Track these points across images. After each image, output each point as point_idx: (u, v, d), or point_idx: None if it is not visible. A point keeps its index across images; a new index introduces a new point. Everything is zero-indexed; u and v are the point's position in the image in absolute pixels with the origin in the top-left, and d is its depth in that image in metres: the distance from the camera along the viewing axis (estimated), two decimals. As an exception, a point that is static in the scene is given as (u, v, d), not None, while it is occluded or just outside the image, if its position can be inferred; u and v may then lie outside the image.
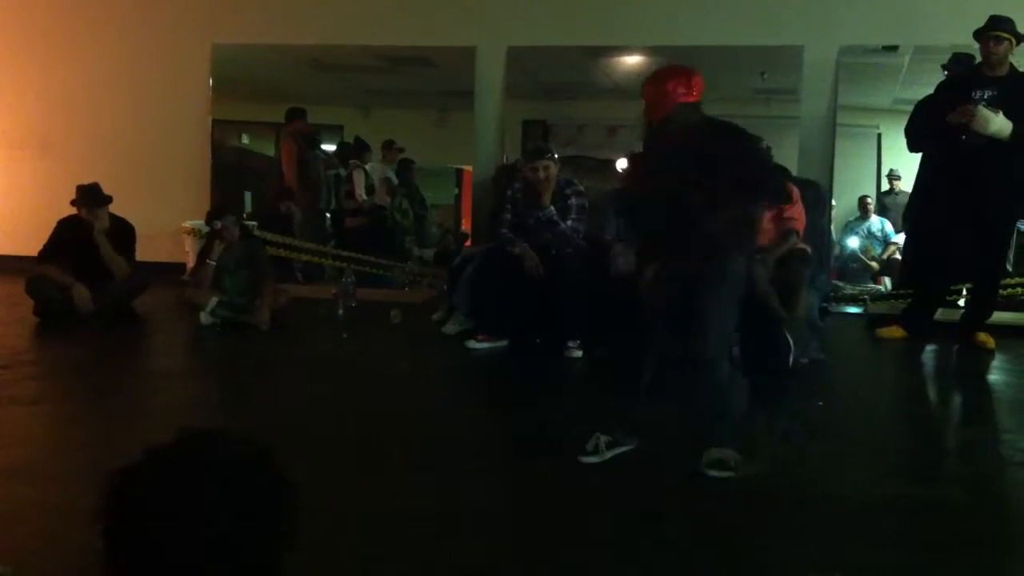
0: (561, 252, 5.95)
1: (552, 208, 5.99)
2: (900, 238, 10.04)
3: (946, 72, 6.07)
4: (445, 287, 6.73)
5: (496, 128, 7.67)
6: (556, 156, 6.12)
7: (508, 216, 6.09)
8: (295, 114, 8.53)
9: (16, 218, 7.47)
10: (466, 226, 8.74)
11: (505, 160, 7.62)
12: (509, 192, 6.18)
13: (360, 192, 8.39)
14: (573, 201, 6.04)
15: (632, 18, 7.55)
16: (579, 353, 5.74)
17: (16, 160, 8.20)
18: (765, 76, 7.93)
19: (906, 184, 10.78)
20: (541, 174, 6.03)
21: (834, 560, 2.87)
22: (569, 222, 5.99)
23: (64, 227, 6.69)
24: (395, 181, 8.64)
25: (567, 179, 6.15)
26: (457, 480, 3.52)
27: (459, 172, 10.43)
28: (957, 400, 5.36)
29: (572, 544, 3.00)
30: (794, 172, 6.80)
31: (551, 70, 8.69)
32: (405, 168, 8.60)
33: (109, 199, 6.64)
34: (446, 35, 7.72)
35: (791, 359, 5.43)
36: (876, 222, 10.35)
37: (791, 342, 5.48)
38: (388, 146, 8.83)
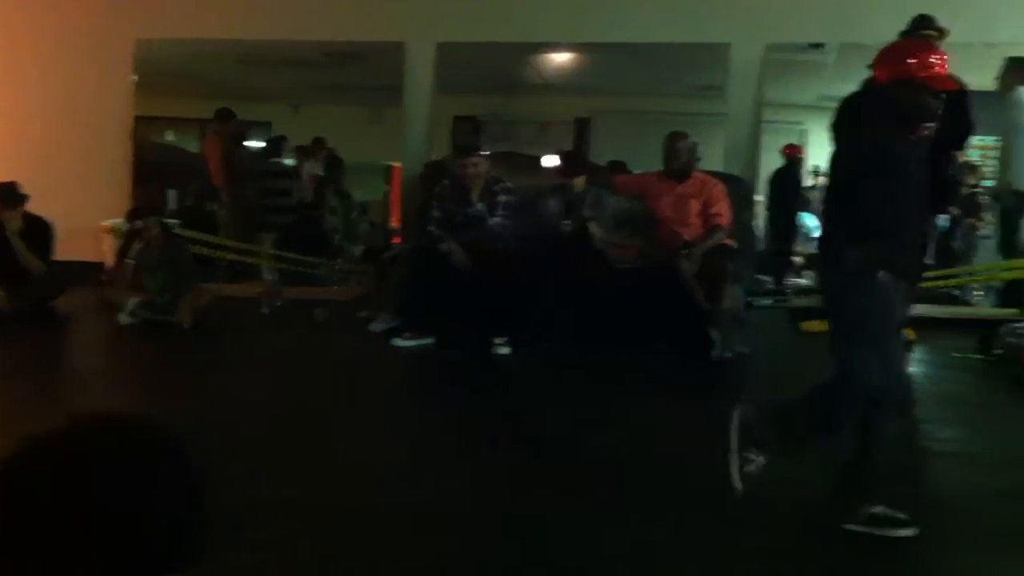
0: (489, 248, 5.92)
1: (481, 205, 5.97)
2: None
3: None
4: (373, 285, 6.66)
5: (425, 124, 7.61)
6: (486, 153, 6.10)
7: (436, 213, 6.05)
8: (224, 115, 8.39)
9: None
10: (395, 223, 8.67)
11: (433, 157, 7.56)
12: (437, 189, 6.15)
13: (305, 191, 8.29)
14: (502, 198, 6.02)
15: (562, 15, 7.55)
16: (507, 349, 5.72)
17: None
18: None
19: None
20: (470, 170, 6.01)
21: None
22: (498, 218, 5.97)
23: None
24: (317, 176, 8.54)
25: (496, 176, 6.12)
26: (390, 479, 3.47)
27: (389, 169, 10.38)
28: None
29: (521, 537, 2.99)
30: (720, 168, 6.87)
31: (482, 66, 8.67)
32: (333, 165, 8.48)
33: (23, 199, 6.46)
34: (375, 30, 7.64)
35: (716, 353, 5.50)
36: (799, 217, 10.50)
37: (716, 336, 5.55)
38: (317, 143, 8.74)
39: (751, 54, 7.30)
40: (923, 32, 5.49)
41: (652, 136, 6.92)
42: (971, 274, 6.72)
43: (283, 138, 10.07)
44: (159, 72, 8.10)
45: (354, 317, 6.41)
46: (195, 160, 8.91)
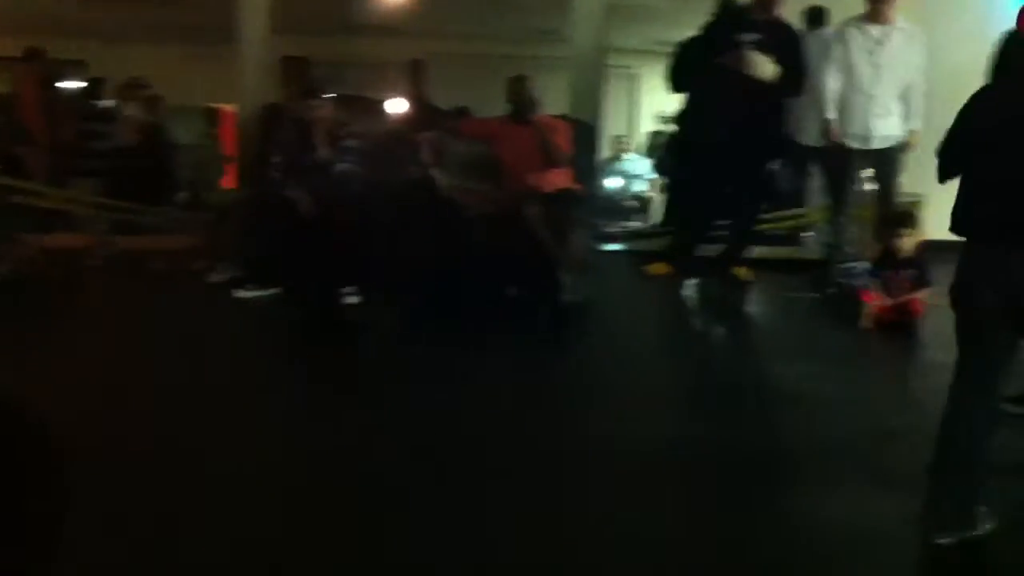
0: (335, 196, 5.75)
1: (326, 151, 5.79)
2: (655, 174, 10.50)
3: (714, 15, 6.14)
4: (210, 233, 6.36)
5: (261, 66, 7.24)
6: (329, 96, 5.90)
7: (279, 159, 5.83)
8: (33, 54, 7.81)
9: None
10: (230, 169, 8.34)
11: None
12: (279, 134, 5.91)
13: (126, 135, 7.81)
14: (348, 143, 5.85)
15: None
16: (355, 299, 5.60)
17: None
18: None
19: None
20: (314, 115, 5.81)
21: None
22: (344, 165, 5.81)
23: None
24: (140, 120, 8.07)
25: (341, 121, 5.95)
26: (242, 448, 3.30)
27: (214, 111, 9.92)
28: (722, 335, 5.61)
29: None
30: (566, 112, 6.87)
31: (318, 5, 8.39)
32: (153, 107, 8.03)
33: None
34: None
35: (565, 297, 5.54)
36: (633, 162, 10.75)
37: (565, 281, 5.59)
38: (134, 84, 8.26)
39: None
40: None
41: (493, 81, 6.88)
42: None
43: (101, 79, 9.51)
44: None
45: (190, 268, 6.12)
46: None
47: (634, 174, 10.48)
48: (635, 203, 10.18)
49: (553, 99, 6.95)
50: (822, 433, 3.62)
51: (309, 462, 3.19)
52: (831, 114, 5.74)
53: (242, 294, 5.60)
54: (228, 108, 9.44)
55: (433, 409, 3.72)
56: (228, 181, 8.32)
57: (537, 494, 2.96)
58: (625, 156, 10.80)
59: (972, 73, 3.09)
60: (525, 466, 3.17)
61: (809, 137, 6.25)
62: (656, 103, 11.39)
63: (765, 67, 5.50)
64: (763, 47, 5.50)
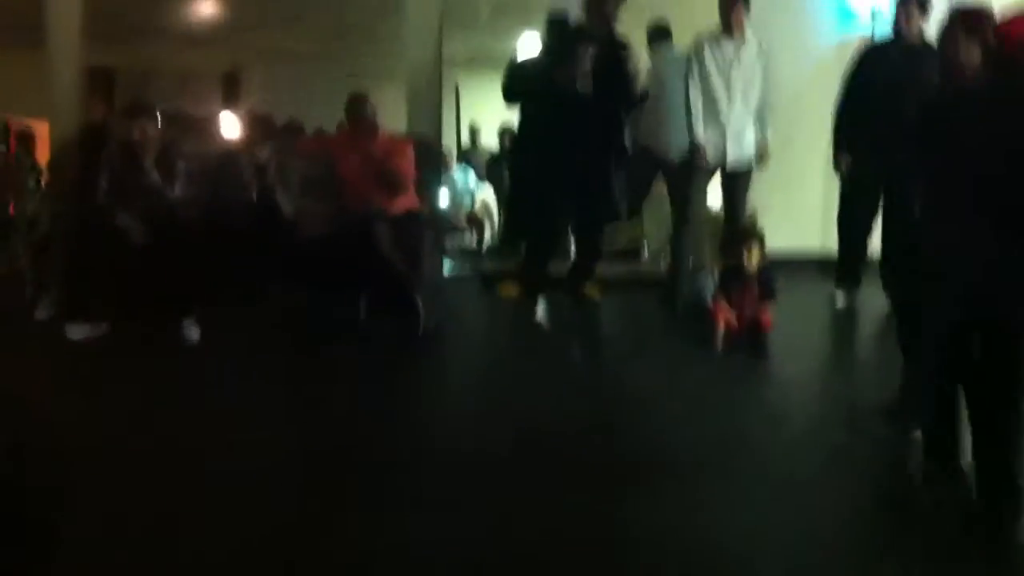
0: (169, 222, 5.41)
1: (156, 173, 5.43)
2: (485, 189, 10.46)
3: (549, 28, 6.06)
4: (29, 263, 5.85)
5: (74, 76, 6.66)
6: (159, 113, 5.54)
7: (105, 183, 5.42)
8: None
9: None
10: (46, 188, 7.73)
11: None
12: (104, 154, 5.50)
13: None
14: (181, 165, 5.51)
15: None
16: (195, 332, 5.29)
17: None
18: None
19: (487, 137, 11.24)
20: (138, 135, 5.45)
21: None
22: (177, 188, 5.47)
23: None
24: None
25: (172, 140, 5.60)
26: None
27: (4, 126, 9.17)
28: (575, 357, 5.57)
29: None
30: (403, 126, 6.72)
31: (127, 11, 7.90)
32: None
33: None
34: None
35: (421, 324, 5.42)
36: (459, 175, 10.62)
37: (420, 307, 5.46)
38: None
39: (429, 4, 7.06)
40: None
41: (319, 91, 6.68)
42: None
43: None
44: None
45: (12, 301, 5.62)
46: None
47: (463, 190, 10.36)
48: (466, 220, 10.07)
49: (391, 113, 6.80)
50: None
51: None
52: (699, 135, 5.86)
53: (72, 332, 5.17)
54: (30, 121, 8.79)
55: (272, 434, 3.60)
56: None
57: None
58: (452, 171, 10.67)
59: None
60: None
61: (657, 150, 6.33)
62: (478, 115, 11.42)
63: (602, 80, 5.49)
64: (599, 61, 5.48)
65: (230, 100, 7.34)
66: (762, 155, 5.94)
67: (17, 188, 7.83)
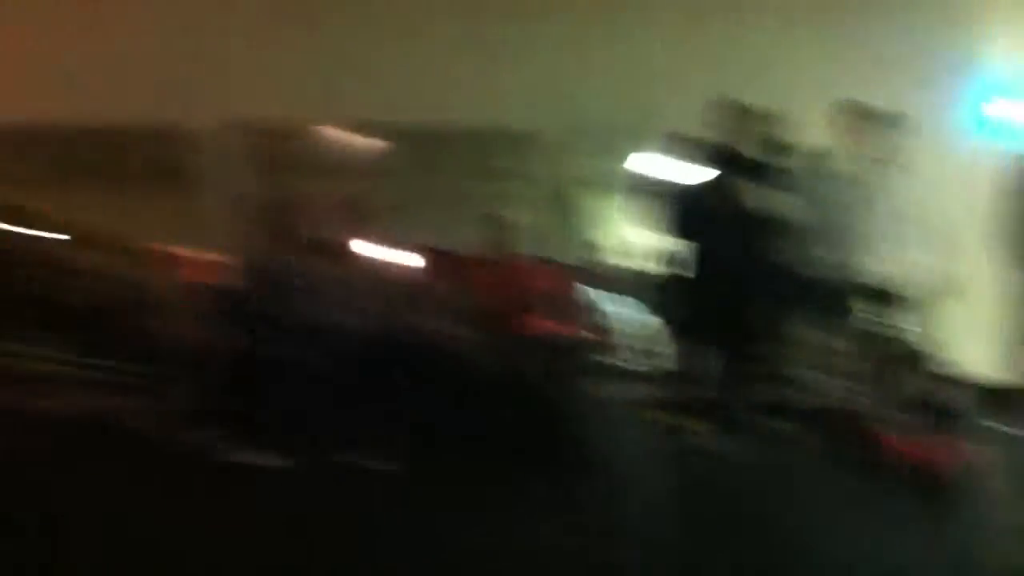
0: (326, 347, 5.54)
1: (313, 301, 5.62)
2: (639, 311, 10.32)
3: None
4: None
5: (227, 214, 7.05)
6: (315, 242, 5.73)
7: (266, 312, 5.62)
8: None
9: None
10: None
11: None
12: (265, 284, 5.71)
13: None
14: (336, 293, 5.70)
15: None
16: (358, 458, 5.30)
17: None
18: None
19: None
20: (296, 264, 5.66)
21: None
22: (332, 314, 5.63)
23: None
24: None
25: (327, 268, 5.78)
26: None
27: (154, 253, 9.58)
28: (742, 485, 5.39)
29: None
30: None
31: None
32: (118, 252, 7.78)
33: None
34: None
35: (577, 451, 5.35)
36: (610, 297, 10.48)
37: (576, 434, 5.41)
38: (98, 231, 7.99)
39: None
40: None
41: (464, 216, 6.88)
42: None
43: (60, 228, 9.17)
44: None
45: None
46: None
47: (616, 312, 10.24)
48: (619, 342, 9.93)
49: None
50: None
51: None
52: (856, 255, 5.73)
53: (246, 457, 5.28)
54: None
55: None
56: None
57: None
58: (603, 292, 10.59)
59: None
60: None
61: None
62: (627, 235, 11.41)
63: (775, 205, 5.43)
64: (769, 184, 5.44)
65: (363, 227, 7.56)
66: (932, 277, 5.77)
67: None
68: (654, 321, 9.77)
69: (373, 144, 9.34)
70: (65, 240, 8.09)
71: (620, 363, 9.58)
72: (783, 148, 5.65)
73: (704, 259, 5.65)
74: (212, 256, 7.13)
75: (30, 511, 4.17)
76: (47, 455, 5.33)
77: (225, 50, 6.95)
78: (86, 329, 7.22)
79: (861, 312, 5.80)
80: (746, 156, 5.55)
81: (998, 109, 7.83)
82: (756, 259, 5.41)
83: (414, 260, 6.70)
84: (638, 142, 8.90)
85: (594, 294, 9.89)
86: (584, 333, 6.48)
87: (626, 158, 8.56)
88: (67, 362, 6.82)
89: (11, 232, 7.77)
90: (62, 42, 6.99)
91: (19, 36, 6.94)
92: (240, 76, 6.97)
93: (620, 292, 10.37)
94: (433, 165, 9.91)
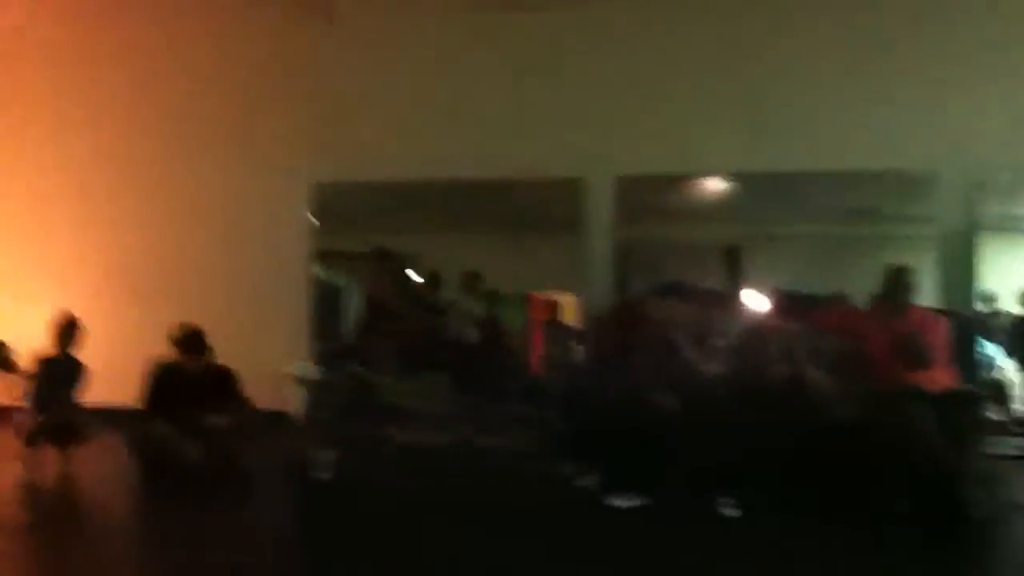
0: (701, 398, 5.51)
1: (691, 351, 5.59)
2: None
3: None
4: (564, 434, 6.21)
5: (607, 259, 7.32)
6: (689, 294, 5.74)
7: (640, 359, 5.69)
8: (381, 252, 8.26)
9: (114, 365, 7.08)
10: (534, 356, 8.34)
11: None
12: (640, 333, 5.79)
13: (444, 326, 8.06)
14: (712, 343, 5.65)
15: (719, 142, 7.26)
16: (736, 512, 5.25)
17: (110, 304, 7.91)
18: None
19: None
20: (670, 312, 5.67)
21: None
22: (709, 365, 5.59)
23: (158, 373, 6.34)
24: (478, 313, 8.30)
25: (704, 318, 5.76)
26: None
27: (524, 298, 10.09)
28: None
29: None
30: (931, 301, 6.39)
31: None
32: (492, 300, 8.26)
33: (205, 349, 6.31)
34: (547, 166, 7.43)
35: (973, 513, 4.95)
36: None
37: (969, 495, 5.01)
38: (470, 276, 8.54)
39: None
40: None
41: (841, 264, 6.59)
42: None
43: (436, 273, 9.94)
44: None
45: (550, 470, 6.02)
46: (344, 296, 8.79)
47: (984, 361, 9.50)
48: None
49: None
50: None
51: None
52: None
53: (612, 501, 5.40)
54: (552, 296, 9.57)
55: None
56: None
57: None
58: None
59: None
60: None
61: None
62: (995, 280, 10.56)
63: None
64: None
65: (736, 274, 7.48)
66: None
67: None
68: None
69: (747, 191, 9.29)
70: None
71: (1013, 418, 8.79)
72: None
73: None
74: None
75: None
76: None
77: (606, 105, 7.27)
78: (470, 367, 7.77)
79: None
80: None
81: None
82: None
83: (792, 308, 6.55)
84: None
85: (988, 346, 9.20)
86: (977, 388, 5.97)
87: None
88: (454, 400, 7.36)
89: (407, 277, 8.56)
90: (472, 104, 7.60)
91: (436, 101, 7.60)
92: (619, 129, 7.26)
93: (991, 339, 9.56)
94: (813, 209, 9.68)
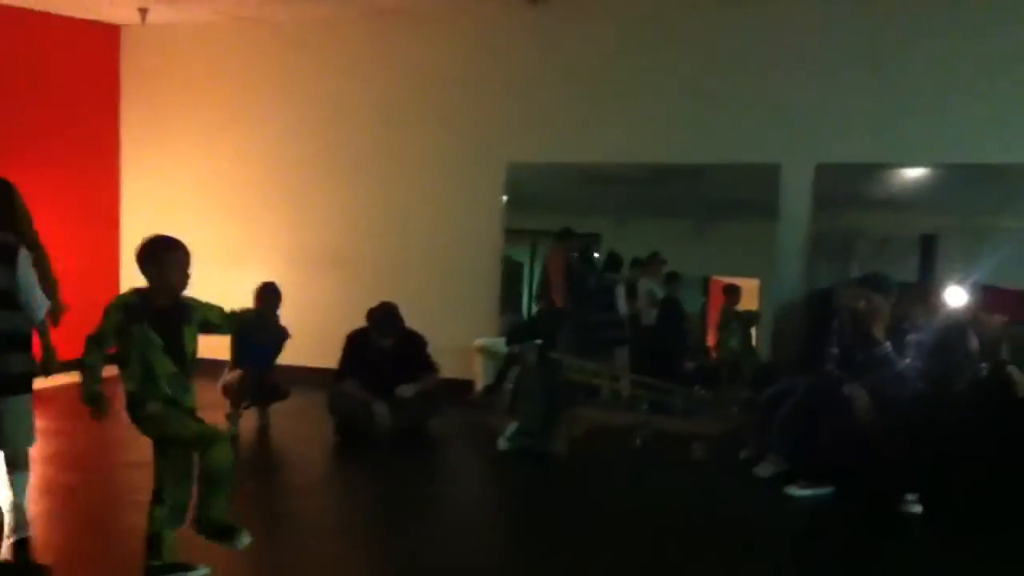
0: (896, 393, 5.35)
1: (887, 344, 5.43)
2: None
3: None
4: (755, 422, 6.15)
5: (800, 246, 7.19)
6: (890, 288, 5.55)
7: (835, 350, 5.56)
8: (566, 233, 8.34)
9: (313, 331, 7.48)
10: (711, 340, 8.23)
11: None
12: (836, 323, 5.65)
13: (622, 306, 8.07)
14: (912, 337, 5.46)
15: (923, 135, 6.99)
16: (918, 508, 5.11)
17: (314, 275, 8.33)
18: None
19: None
20: (865, 304, 5.51)
21: None
22: (907, 360, 5.41)
23: (355, 341, 6.65)
24: (659, 295, 8.26)
25: (904, 312, 5.57)
26: None
27: (705, 281, 9.97)
28: None
29: None
30: None
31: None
32: (673, 281, 8.22)
33: (393, 331, 6.57)
34: (748, 150, 7.34)
35: None
36: None
37: None
38: (652, 259, 8.51)
39: None
40: None
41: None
42: None
43: (616, 254, 9.96)
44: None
45: (731, 456, 5.99)
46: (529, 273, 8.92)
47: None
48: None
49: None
50: None
51: None
52: None
53: (794, 491, 5.33)
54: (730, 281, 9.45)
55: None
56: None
57: None
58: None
59: None
60: None
61: None
62: None
63: None
64: None
65: (931, 265, 7.20)
66: None
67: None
68: None
69: (947, 182, 8.94)
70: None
71: None
72: None
73: None
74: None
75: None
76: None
77: (805, 95, 7.14)
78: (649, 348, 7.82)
79: None
80: None
81: None
82: None
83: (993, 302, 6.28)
84: None
85: None
86: None
87: None
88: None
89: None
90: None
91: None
92: (818, 119, 7.12)
93: None
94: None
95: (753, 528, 4.86)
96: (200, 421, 3.72)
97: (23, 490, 4.38)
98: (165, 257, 3.67)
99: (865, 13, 7.00)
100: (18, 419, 4.31)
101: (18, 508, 4.35)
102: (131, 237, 8.85)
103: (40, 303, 4.32)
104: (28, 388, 4.33)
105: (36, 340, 4.25)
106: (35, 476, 4.64)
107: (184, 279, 3.70)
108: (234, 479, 3.67)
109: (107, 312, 3.64)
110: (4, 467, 4.40)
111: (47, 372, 4.32)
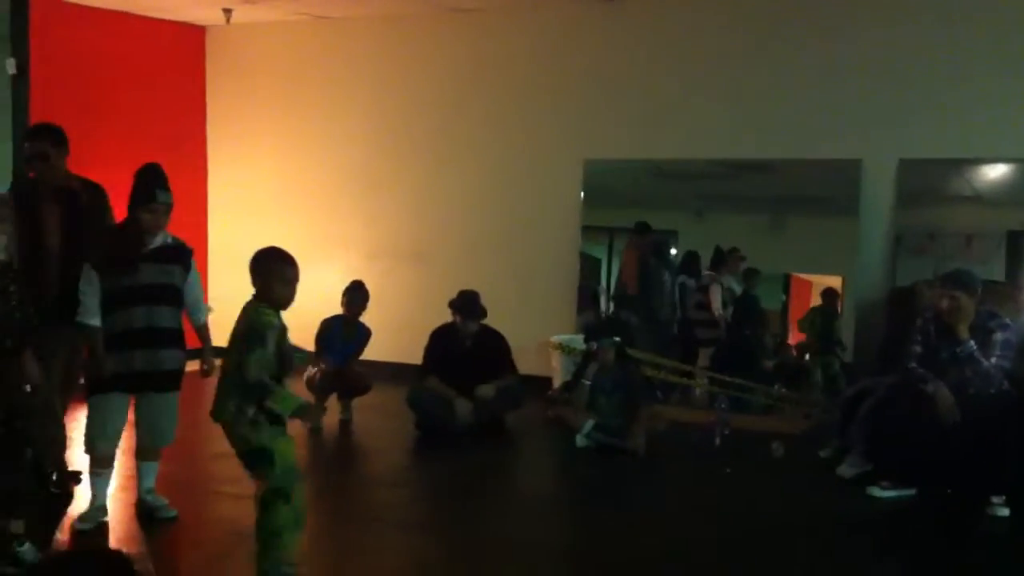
0: (981, 393, 5.26)
1: (972, 343, 5.33)
2: None
3: None
4: (837, 421, 6.09)
5: (882, 243, 7.11)
6: (975, 286, 5.44)
7: (918, 348, 5.48)
8: (642, 228, 8.32)
9: (392, 327, 7.61)
10: (792, 340, 8.13)
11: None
12: (919, 321, 5.57)
13: (717, 306, 8.02)
14: (998, 336, 5.35)
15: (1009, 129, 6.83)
16: (1006, 511, 5.03)
17: (394, 270, 8.45)
18: None
19: None
20: (948, 302, 5.41)
21: None
22: (993, 359, 5.31)
23: (439, 336, 6.74)
24: (737, 291, 8.19)
25: (990, 310, 5.46)
26: None
27: (786, 278, 9.84)
28: None
29: None
30: None
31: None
32: (751, 277, 8.16)
33: (482, 314, 6.64)
34: (829, 146, 7.26)
35: None
36: None
37: None
38: (731, 254, 8.45)
39: None
40: None
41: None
42: None
43: (694, 251, 9.90)
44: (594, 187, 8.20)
45: (811, 455, 5.96)
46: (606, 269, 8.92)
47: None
48: None
49: None
50: None
51: None
52: None
53: (876, 492, 5.28)
54: (809, 278, 9.32)
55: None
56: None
57: None
58: None
59: None
60: None
61: None
62: None
63: None
64: None
65: (1014, 262, 7.06)
66: None
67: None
68: None
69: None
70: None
71: None
72: None
73: None
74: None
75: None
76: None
77: (887, 90, 7.05)
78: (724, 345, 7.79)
79: None
80: None
81: None
82: None
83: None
84: None
85: None
86: None
87: None
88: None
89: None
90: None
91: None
92: (900, 114, 7.03)
93: None
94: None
95: (834, 529, 4.85)
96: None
97: (151, 476, 4.61)
98: (288, 273, 3.63)
99: (944, 7, 6.89)
100: (164, 414, 4.50)
101: (150, 492, 4.59)
102: (218, 235, 9.08)
103: (204, 306, 4.50)
104: (177, 385, 4.51)
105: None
106: (121, 466, 4.82)
107: (292, 295, 3.64)
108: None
109: (264, 334, 3.49)
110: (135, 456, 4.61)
111: (206, 375, 4.48)
